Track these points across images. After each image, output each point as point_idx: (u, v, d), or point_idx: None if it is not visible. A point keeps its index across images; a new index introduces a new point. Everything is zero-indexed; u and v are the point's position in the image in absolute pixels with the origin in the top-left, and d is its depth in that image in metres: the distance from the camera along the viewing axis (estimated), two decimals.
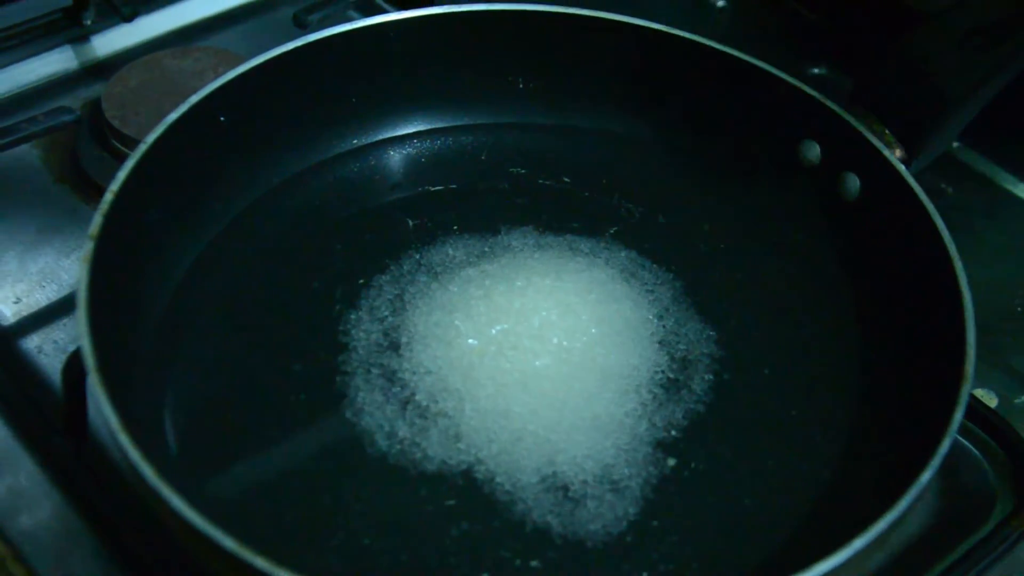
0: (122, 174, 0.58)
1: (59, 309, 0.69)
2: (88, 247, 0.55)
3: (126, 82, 0.79)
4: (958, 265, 0.58)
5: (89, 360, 0.51)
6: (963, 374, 0.54)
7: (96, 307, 0.53)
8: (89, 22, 0.84)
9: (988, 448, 0.64)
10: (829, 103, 0.66)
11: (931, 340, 0.59)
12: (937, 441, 0.51)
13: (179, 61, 0.81)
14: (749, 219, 0.71)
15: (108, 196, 0.57)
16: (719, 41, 0.70)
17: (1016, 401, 0.68)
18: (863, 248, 0.66)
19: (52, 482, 0.60)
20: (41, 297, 0.70)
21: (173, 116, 0.62)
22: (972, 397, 0.64)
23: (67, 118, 0.74)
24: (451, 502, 0.55)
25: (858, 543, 0.47)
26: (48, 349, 0.67)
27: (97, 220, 0.56)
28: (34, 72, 0.83)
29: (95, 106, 0.78)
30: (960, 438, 0.63)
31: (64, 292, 0.70)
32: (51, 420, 0.62)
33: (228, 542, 0.46)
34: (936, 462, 0.50)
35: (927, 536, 0.61)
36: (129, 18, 0.81)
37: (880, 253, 0.65)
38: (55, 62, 0.84)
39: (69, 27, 0.84)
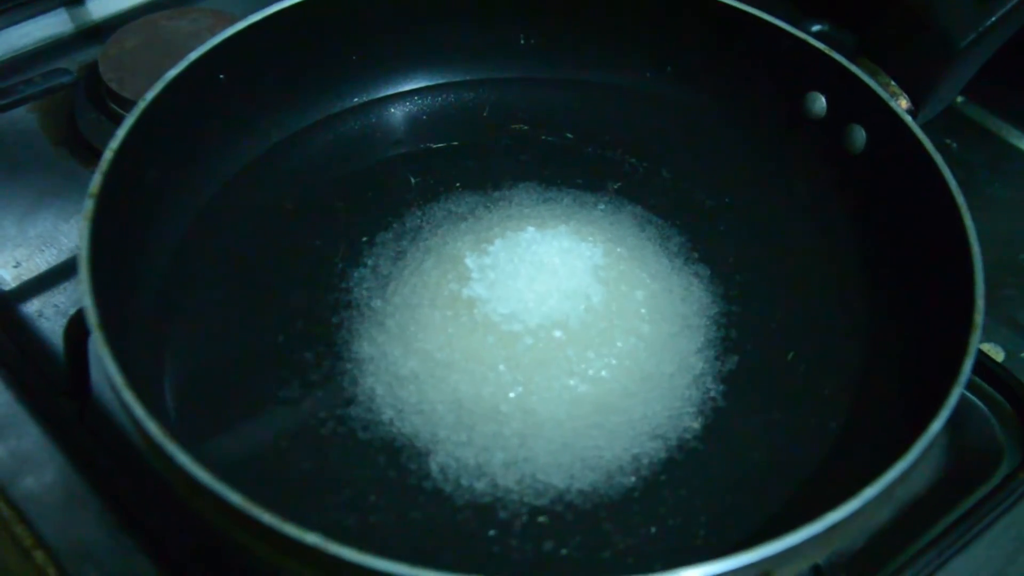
0: (121, 132, 0.57)
1: (59, 273, 0.69)
2: (88, 205, 0.54)
3: (122, 44, 0.78)
4: (966, 215, 0.57)
5: (92, 317, 0.50)
6: (972, 324, 0.53)
7: (97, 265, 0.53)
8: None
9: (994, 402, 0.64)
10: (835, 55, 0.66)
11: (939, 291, 0.59)
12: (947, 391, 0.51)
13: (175, 22, 0.80)
14: (755, 173, 0.70)
15: (108, 154, 0.56)
16: None
17: (1022, 355, 0.67)
18: (870, 200, 0.66)
19: (55, 445, 0.60)
20: (41, 261, 0.69)
21: (172, 73, 0.61)
22: (978, 351, 0.64)
23: (64, 79, 0.73)
24: (458, 460, 0.55)
25: (868, 492, 0.47)
26: (48, 313, 0.67)
27: (97, 179, 0.55)
28: (30, 35, 0.82)
29: (92, 69, 0.78)
30: (967, 392, 0.63)
31: (64, 256, 0.70)
32: (53, 383, 0.62)
33: (235, 498, 0.45)
34: (946, 412, 0.50)
35: (934, 490, 0.61)
36: None
37: (887, 205, 0.65)
38: (51, 25, 0.83)
39: None
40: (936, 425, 0.49)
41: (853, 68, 0.65)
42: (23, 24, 0.82)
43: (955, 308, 0.55)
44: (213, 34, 0.65)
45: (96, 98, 0.76)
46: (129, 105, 0.71)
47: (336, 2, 0.67)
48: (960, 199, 0.58)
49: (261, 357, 0.59)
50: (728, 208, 0.68)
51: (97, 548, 0.56)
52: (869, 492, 0.47)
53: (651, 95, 0.73)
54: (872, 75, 0.64)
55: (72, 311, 0.58)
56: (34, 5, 0.82)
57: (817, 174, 0.68)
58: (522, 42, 0.73)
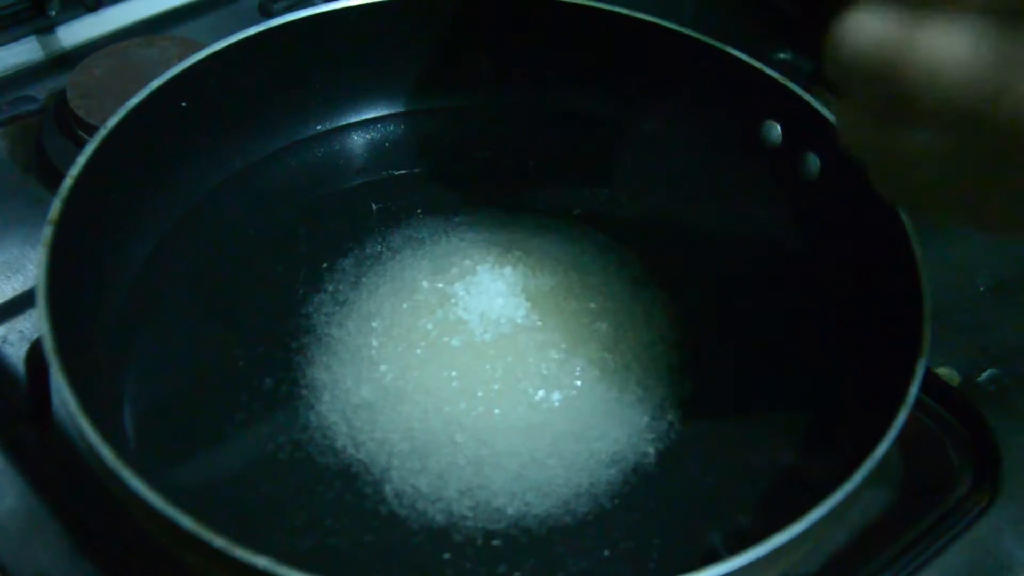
0: (82, 159, 0.58)
1: (25, 300, 0.68)
2: (47, 232, 0.55)
3: (91, 72, 0.79)
4: (915, 241, 0.58)
5: (49, 344, 0.51)
6: (920, 349, 0.54)
7: (56, 292, 0.53)
8: (54, 12, 0.83)
9: (950, 426, 0.65)
10: (790, 84, 0.67)
11: (890, 317, 0.60)
12: (894, 415, 0.51)
13: (144, 50, 0.80)
14: (713, 199, 0.71)
15: (67, 181, 0.57)
16: (684, 25, 0.70)
17: (978, 380, 0.68)
18: (825, 226, 0.67)
19: (16, 470, 0.60)
20: (6, 288, 0.70)
21: (134, 101, 0.61)
22: (934, 375, 0.65)
23: (31, 107, 0.74)
24: (414, 487, 0.55)
25: (814, 515, 0.48)
26: (13, 339, 0.67)
27: (56, 205, 0.56)
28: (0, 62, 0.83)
29: (61, 96, 0.78)
30: (922, 416, 0.64)
31: (30, 283, 0.69)
32: (16, 409, 0.62)
33: (187, 522, 0.46)
34: (892, 435, 0.50)
35: (889, 513, 0.62)
36: (93, 8, 0.81)
37: (841, 231, 0.65)
38: (20, 53, 0.83)
39: (34, 17, 0.83)
40: (881, 448, 0.50)
41: (807, 97, 0.66)
42: None
43: (905, 333, 0.56)
44: (181, 61, 0.65)
45: (64, 125, 0.77)
46: (96, 131, 0.72)
47: (297, 32, 0.68)
48: (909, 225, 0.59)
49: (221, 382, 0.60)
50: (687, 234, 0.69)
51: (56, 572, 0.57)
52: (814, 514, 0.48)
53: (611, 123, 0.74)
54: (826, 104, 0.65)
55: (36, 337, 0.59)
56: (4, 33, 0.82)
57: (774, 201, 0.69)
58: (484, 70, 0.74)
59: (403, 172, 0.72)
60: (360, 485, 0.55)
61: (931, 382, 0.64)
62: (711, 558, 0.46)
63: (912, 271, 0.57)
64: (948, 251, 0.70)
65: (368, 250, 0.66)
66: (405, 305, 0.62)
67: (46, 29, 0.84)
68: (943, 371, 0.68)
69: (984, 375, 0.68)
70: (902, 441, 0.55)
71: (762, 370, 0.62)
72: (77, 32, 0.85)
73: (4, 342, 0.67)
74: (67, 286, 0.55)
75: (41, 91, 0.81)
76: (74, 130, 0.76)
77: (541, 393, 0.59)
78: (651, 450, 0.58)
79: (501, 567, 0.53)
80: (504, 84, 0.74)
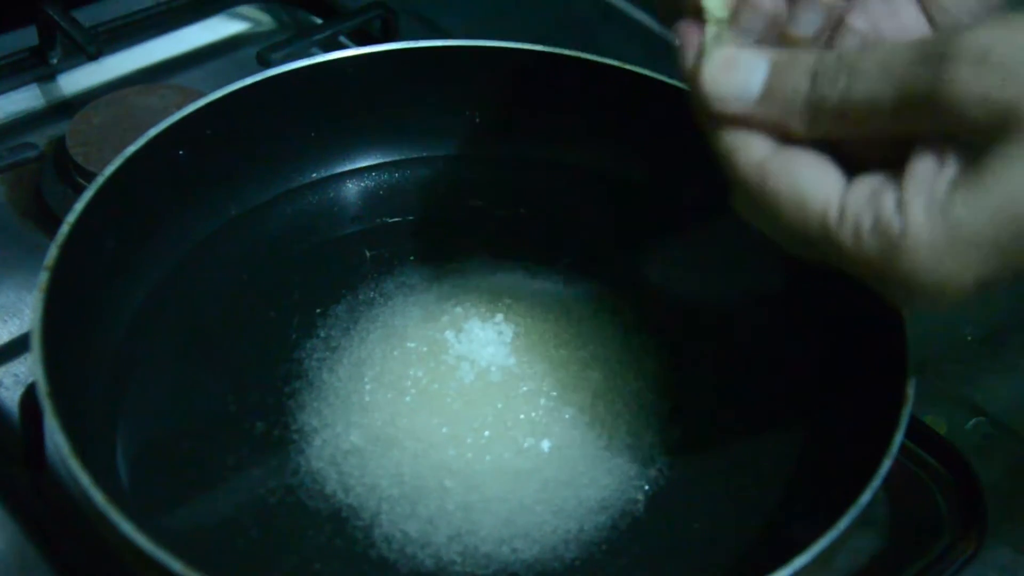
0: (79, 205, 0.59)
1: (21, 343, 0.69)
2: (43, 278, 0.56)
3: (91, 119, 0.80)
4: None
5: (42, 387, 0.51)
6: (904, 397, 0.55)
7: (50, 336, 0.54)
8: (56, 61, 0.85)
9: (937, 474, 0.65)
10: None
11: (876, 367, 0.60)
12: (878, 463, 0.52)
13: (144, 98, 0.82)
14: (701, 249, 0.72)
15: (64, 228, 0.58)
16: (673, 77, 0.71)
17: (965, 427, 0.69)
18: (812, 275, 0.67)
19: (9, 513, 0.60)
20: (2, 332, 0.70)
21: (131, 150, 0.62)
22: (921, 423, 0.65)
23: (30, 154, 0.75)
24: (403, 532, 0.56)
25: (799, 562, 0.48)
26: (8, 383, 0.67)
27: (53, 251, 0.57)
28: (1, 110, 0.84)
29: (60, 143, 0.79)
30: (910, 463, 0.65)
31: (26, 327, 0.70)
32: (10, 452, 0.63)
33: (177, 565, 0.46)
34: (876, 483, 0.51)
35: (877, 560, 0.62)
36: (95, 56, 0.82)
37: (829, 280, 0.66)
38: (22, 100, 0.85)
39: (36, 66, 0.85)
40: (865, 496, 0.51)
41: None
42: None
43: (890, 383, 0.57)
44: (179, 109, 0.67)
45: (63, 171, 0.78)
46: (95, 178, 0.73)
47: (294, 81, 0.69)
48: None
49: (213, 426, 0.60)
50: (676, 282, 0.70)
51: None
52: (799, 561, 0.48)
53: (601, 173, 0.75)
54: None
55: (31, 381, 0.59)
56: (5, 81, 0.83)
57: (761, 250, 0.70)
58: (477, 120, 0.75)
59: (396, 220, 0.73)
60: (350, 530, 0.56)
61: (918, 430, 0.64)
62: None
63: (897, 321, 0.58)
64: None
65: (361, 296, 0.67)
66: (396, 352, 0.62)
67: (47, 77, 0.86)
68: (930, 419, 0.68)
69: (971, 423, 0.69)
70: (889, 488, 0.56)
71: (750, 417, 0.63)
72: (78, 80, 0.87)
73: (0, 386, 0.67)
74: (62, 331, 0.55)
75: (41, 138, 0.82)
76: (73, 177, 0.77)
77: (530, 440, 0.59)
78: (640, 497, 0.58)
79: None
80: (496, 135, 0.75)
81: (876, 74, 0.44)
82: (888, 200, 0.44)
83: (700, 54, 0.48)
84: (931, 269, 0.44)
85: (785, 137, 0.47)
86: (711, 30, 0.48)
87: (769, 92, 0.46)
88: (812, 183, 0.46)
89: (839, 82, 0.45)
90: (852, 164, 0.47)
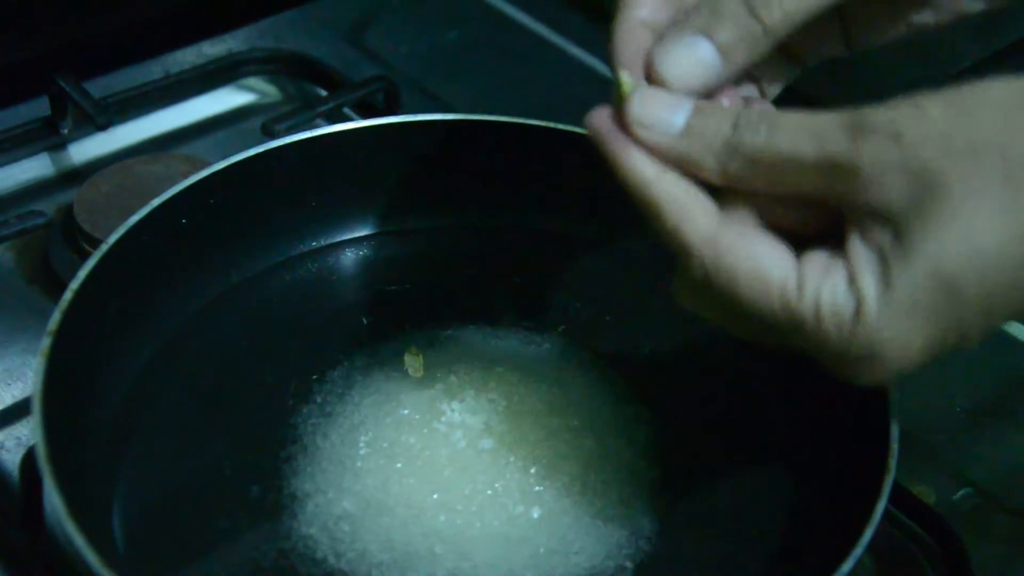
0: (83, 273, 0.60)
1: (23, 407, 0.70)
2: (46, 343, 0.57)
3: (98, 187, 0.81)
4: None
5: (41, 451, 0.53)
6: (887, 467, 0.55)
7: (51, 401, 0.55)
8: (66, 131, 0.86)
9: (925, 543, 0.66)
10: None
11: (863, 436, 0.61)
12: (861, 532, 0.53)
13: (150, 167, 0.83)
14: (693, 318, 0.73)
15: (68, 294, 0.59)
16: None
17: (954, 498, 0.69)
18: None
19: (6, 574, 0.61)
20: (6, 395, 0.71)
21: (134, 219, 0.64)
22: (909, 493, 0.66)
23: (38, 221, 0.76)
24: None
25: None
26: (10, 445, 0.68)
27: (56, 317, 0.58)
28: (12, 178, 0.86)
29: (68, 210, 0.81)
30: (898, 533, 0.65)
31: (29, 391, 0.71)
32: (9, 515, 0.63)
33: None
34: (858, 552, 0.52)
35: None
36: (104, 127, 0.84)
37: None
38: (32, 168, 0.86)
39: (47, 135, 0.86)
40: (847, 565, 0.51)
41: None
42: (6, 167, 0.85)
43: (874, 453, 0.57)
44: (185, 178, 0.68)
45: (70, 238, 0.79)
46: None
47: (296, 153, 0.71)
48: None
49: (209, 489, 0.61)
50: (670, 352, 0.71)
51: None
52: None
53: (595, 242, 0.76)
54: None
55: (31, 444, 0.60)
56: (17, 151, 0.85)
57: None
58: (474, 192, 0.76)
59: (393, 287, 0.74)
60: None
61: (906, 500, 0.65)
62: None
63: (881, 394, 0.59)
64: (925, 372, 0.71)
65: (357, 362, 0.68)
66: (389, 419, 0.63)
67: (58, 146, 0.87)
68: (919, 489, 0.69)
69: (960, 494, 0.70)
70: (877, 556, 0.57)
71: (739, 486, 0.63)
72: (87, 149, 0.88)
73: (1, 448, 0.68)
74: (63, 395, 0.57)
75: (50, 205, 0.83)
76: (80, 244, 0.78)
77: (521, 507, 0.60)
78: (629, 564, 0.59)
79: None
80: (492, 205, 0.77)
81: (796, 129, 0.45)
82: (838, 275, 0.45)
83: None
84: (887, 339, 0.45)
85: (702, 182, 0.47)
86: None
87: (690, 129, 0.47)
88: (769, 256, 0.46)
89: (760, 131, 0.46)
90: (792, 241, 0.47)
